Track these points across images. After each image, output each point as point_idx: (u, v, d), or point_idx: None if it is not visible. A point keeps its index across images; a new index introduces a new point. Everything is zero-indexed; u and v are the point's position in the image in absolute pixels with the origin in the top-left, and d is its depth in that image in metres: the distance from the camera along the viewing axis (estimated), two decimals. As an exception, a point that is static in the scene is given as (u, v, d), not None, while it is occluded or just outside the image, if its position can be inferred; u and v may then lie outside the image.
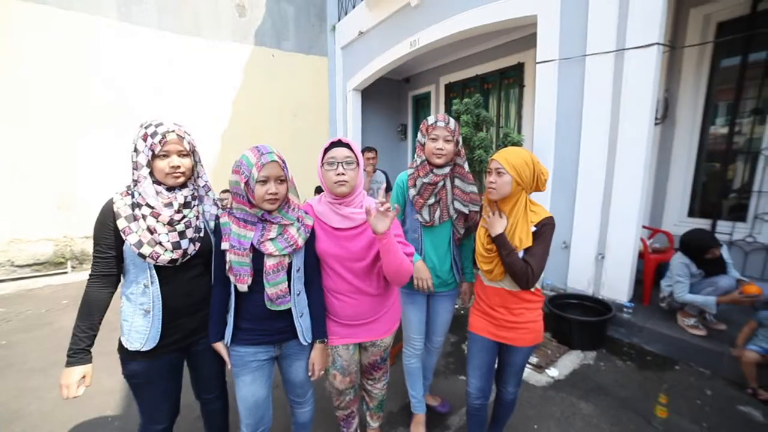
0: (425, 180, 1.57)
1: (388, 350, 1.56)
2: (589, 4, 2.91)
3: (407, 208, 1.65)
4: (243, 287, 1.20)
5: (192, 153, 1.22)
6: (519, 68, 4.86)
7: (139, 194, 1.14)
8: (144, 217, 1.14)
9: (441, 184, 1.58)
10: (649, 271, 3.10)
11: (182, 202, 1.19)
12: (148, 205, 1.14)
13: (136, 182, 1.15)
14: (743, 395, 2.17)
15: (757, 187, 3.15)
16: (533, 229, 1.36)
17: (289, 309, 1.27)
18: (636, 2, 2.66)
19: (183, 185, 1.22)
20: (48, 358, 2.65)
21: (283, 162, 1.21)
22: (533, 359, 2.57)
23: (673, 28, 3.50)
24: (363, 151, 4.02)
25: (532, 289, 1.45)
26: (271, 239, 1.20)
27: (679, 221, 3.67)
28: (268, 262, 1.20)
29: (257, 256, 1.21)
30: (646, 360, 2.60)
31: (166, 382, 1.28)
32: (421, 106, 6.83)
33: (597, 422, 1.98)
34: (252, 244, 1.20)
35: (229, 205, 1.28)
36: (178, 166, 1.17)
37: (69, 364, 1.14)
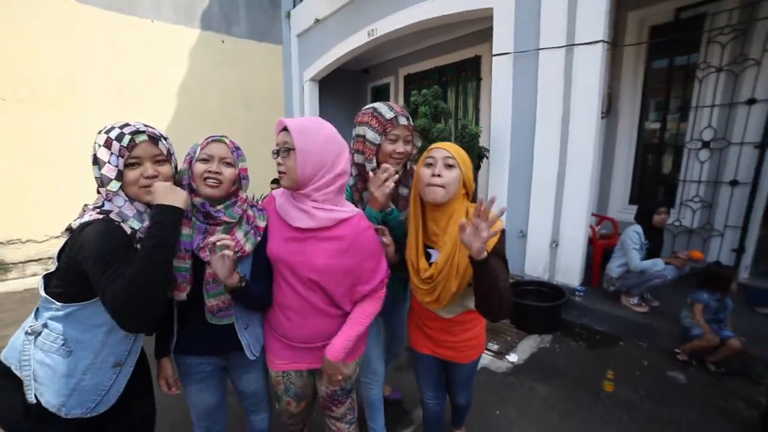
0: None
1: (351, 381, 1.27)
2: (542, 0, 2.99)
3: None
4: (181, 296, 1.02)
5: (170, 159, 1.00)
6: (476, 61, 4.94)
7: (118, 216, 0.90)
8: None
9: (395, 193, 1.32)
10: (598, 255, 3.31)
11: None
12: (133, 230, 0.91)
13: (104, 203, 0.90)
14: (672, 362, 2.41)
15: (682, 176, 3.47)
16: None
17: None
18: (583, 1, 2.77)
19: None
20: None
21: (236, 148, 1.06)
22: (494, 347, 2.64)
23: (615, 29, 3.72)
24: None
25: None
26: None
27: (622, 208, 3.96)
28: (209, 270, 1.03)
29: (198, 262, 1.04)
30: (596, 339, 2.77)
31: None
32: (381, 97, 6.74)
33: (553, 402, 2.07)
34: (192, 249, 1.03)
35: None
36: (156, 175, 0.93)
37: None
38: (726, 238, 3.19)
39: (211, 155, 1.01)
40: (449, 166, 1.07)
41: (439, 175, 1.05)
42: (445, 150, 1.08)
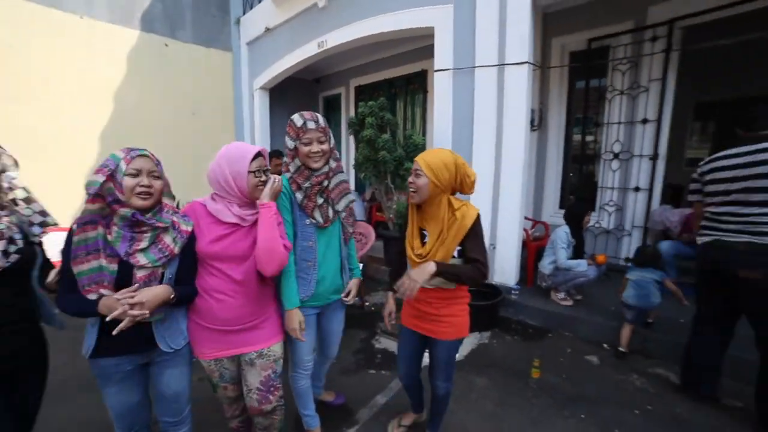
0: (307, 185, 1.47)
1: (280, 362, 1.43)
2: (476, 23, 3.26)
3: (296, 215, 1.50)
4: (93, 296, 1.06)
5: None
6: (423, 75, 5.21)
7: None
8: None
9: (325, 184, 1.51)
10: (531, 256, 3.61)
11: None
12: None
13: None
14: (590, 348, 2.72)
15: (600, 183, 3.93)
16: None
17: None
18: (511, 26, 3.07)
19: None
20: None
21: (158, 161, 1.16)
22: (438, 345, 2.78)
23: (543, 52, 4.15)
24: (272, 157, 3.79)
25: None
26: (142, 249, 1.11)
27: (553, 213, 4.36)
28: (139, 274, 1.11)
29: (123, 267, 1.10)
30: (529, 333, 3.02)
31: None
32: (332, 107, 6.84)
33: (489, 392, 2.24)
34: (119, 254, 1.10)
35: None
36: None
37: None
38: (633, 237, 3.66)
39: (138, 169, 1.09)
40: (418, 175, 1.39)
41: (412, 183, 1.41)
42: (416, 163, 1.41)
